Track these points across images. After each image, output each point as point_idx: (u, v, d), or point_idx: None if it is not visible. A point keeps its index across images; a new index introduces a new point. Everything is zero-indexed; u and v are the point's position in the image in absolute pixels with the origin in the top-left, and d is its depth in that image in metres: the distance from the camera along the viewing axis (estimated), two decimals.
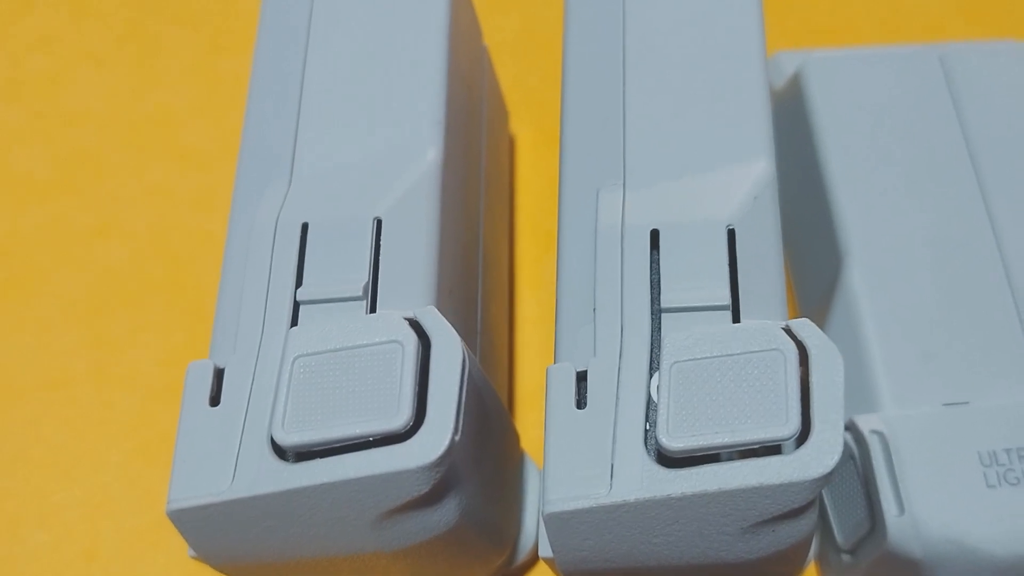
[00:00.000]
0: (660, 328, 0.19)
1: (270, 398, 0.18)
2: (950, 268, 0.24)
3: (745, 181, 0.20)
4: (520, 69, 0.34)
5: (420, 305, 0.19)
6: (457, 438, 0.17)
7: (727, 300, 0.19)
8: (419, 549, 0.19)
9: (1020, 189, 0.25)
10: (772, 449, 0.17)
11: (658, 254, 0.20)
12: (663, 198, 0.20)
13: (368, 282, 0.19)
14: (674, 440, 0.17)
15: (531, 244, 0.32)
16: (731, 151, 0.21)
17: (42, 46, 0.36)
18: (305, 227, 0.20)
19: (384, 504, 0.18)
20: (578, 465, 0.18)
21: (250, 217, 0.21)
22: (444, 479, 0.18)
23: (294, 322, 0.19)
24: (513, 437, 0.24)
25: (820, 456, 0.17)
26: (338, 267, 0.20)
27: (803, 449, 0.17)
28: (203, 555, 0.19)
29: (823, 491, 0.24)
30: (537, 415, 0.28)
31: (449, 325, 0.18)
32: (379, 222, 0.20)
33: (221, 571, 0.20)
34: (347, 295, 0.19)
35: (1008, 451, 0.21)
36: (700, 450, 0.17)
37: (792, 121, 0.27)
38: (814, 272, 0.26)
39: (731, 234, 0.20)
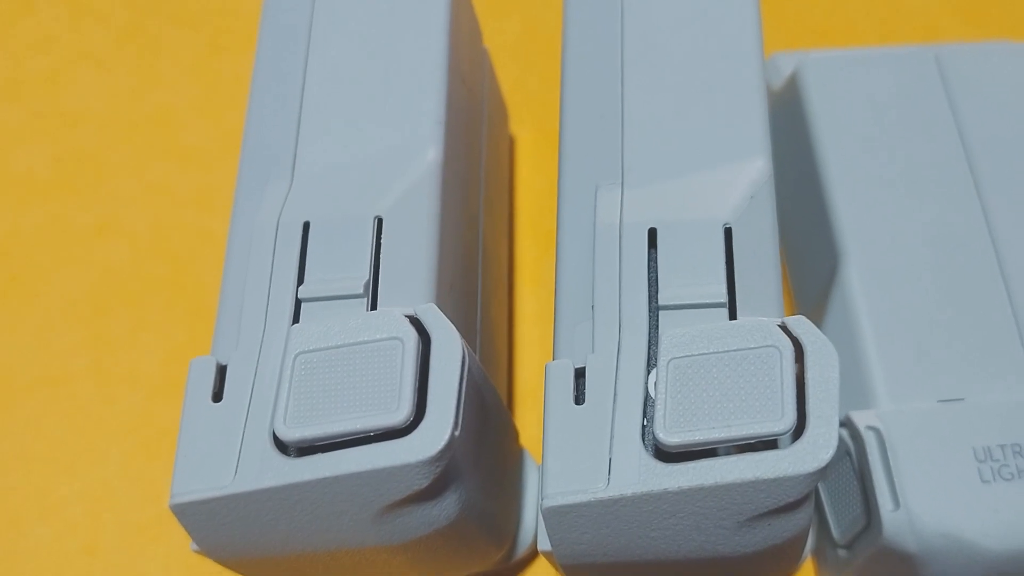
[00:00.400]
0: (658, 325, 0.19)
1: (272, 394, 0.18)
2: (946, 266, 0.24)
3: (742, 180, 0.20)
4: (520, 70, 0.35)
5: (420, 302, 0.19)
6: (457, 433, 0.17)
7: (724, 297, 0.19)
8: (419, 543, 0.19)
9: (1015, 188, 0.25)
10: (768, 444, 0.18)
11: (656, 252, 0.20)
12: (661, 197, 0.21)
13: (369, 280, 0.20)
14: (671, 435, 0.17)
15: (531, 242, 0.32)
16: (728, 151, 0.21)
17: (42, 46, 0.36)
18: (306, 226, 0.20)
19: (385, 498, 0.18)
20: (576, 460, 0.18)
21: (252, 216, 0.21)
22: (444, 473, 0.18)
23: (296, 319, 0.19)
24: (512, 433, 0.24)
25: (815, 451, 0.17)
26: (339, 265, 0.20)
27: (798, 444, 0.17)
28: (205, 549, 0.19)
29: (820, 486, 0.25)
30: (536, 412, 0.29)
31: (449, 322, 0.18)
32: (380, 221, 0.20)
33: (223, 565, 0.20)
34: (348, 292, 0.19)
35: (1003, 447, 0.22)
36: (696, 445, 0.17)
37: (789, 121, 0.28)
38: (811, 270, 0.26)
39: (728, 232, 0.20)
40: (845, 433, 0.23)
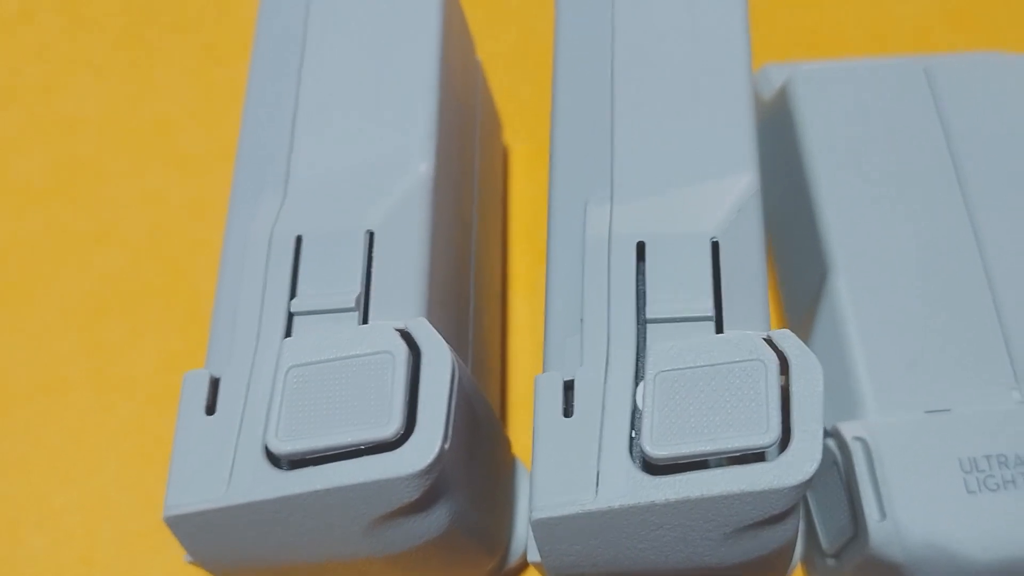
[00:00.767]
0: (645, 338, 0.19)
1: (264, 407, 0.19)
2: (934, 277, 0.24)
3: (730, 194, 0.21)
4: (514, 81, 0.35)
5: (412, 316, 0.20)
6: (446, 446, 0.18)
7: (711, 311, 0.19)
8: (411, 554, 0.20)
9: (1003, 199, 0.25)
10: (754, 457, 0.18)
11: (644, 266, 0.20)
12: (649, 210, 0.21)
13: (360, 294, 0.20)
14: (658, 448, 0.18)
15: (525, 252, 0.32)
16: (716, 164, 0.21)
17: (39, 54, 0.36)
18: (299, 240, 0.21)
19: (375, 510, 0.18)
20: (565, 472, 0.18)
21: (245, 229, 0.21)
22: (434, 486, 0.18)
23: (288, 333, 0.20)
24: (504, 443, 0.25)
25: (799, 463, 0.17)
26: (331, 279, 0.20)
27: (783, 457, 0.17)
28: (199, 560, 0.20)
29: (808, 496, 0.25)
30: (529, 421, 0.29)
31: (439, 336, 0.19)
32: (371, 234, 0.20)
33: None
34: (340, 306, 0.20)
35: (988, 457, 0.22)
36: (683, 458, 0.18)
37: (779, 132, 0.28)
38: (800, 281, 0.27)
39: (715, 246, 0.20)
40: (832, 443, 0.23)
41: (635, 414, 0.19)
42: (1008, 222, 0.25)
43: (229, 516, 0.18)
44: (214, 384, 0.19)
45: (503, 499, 0.24)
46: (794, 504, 0.18)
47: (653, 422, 0.18)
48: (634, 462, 0.18)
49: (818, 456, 0.17)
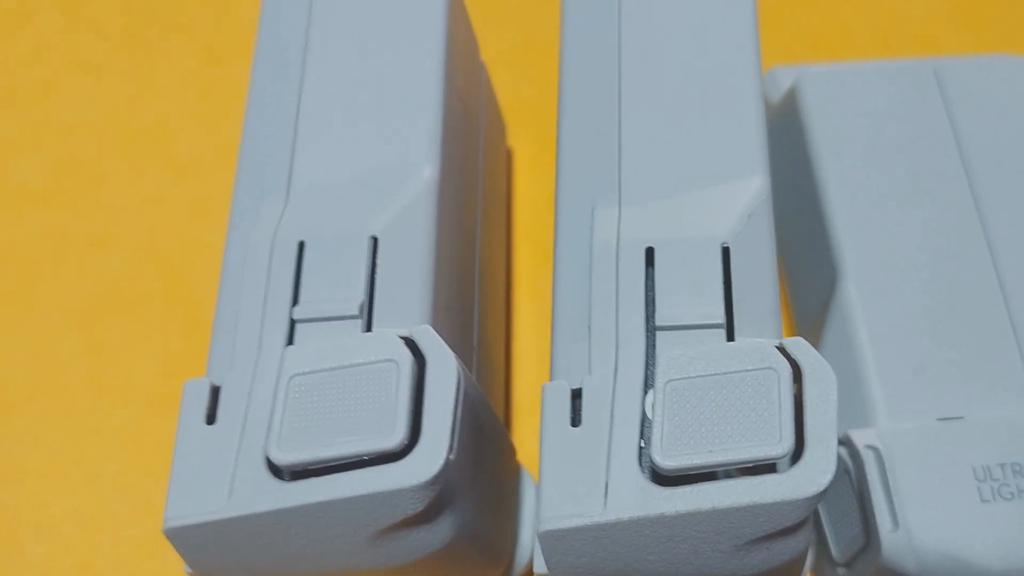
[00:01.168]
0: (655, 346, 0.19)
1: (266, 416, 0.18)
2: (946, 283, 0.24)
3: (740, 198, 0.20)
4: (519, 82, 0.34)
5: (416, 323, 0.19)
6: (452, 457, 0.17)
7: (721, 318, 0.19)
8: (414, 566, 0.19)
9: (1015, 203, 0.25)
10: (766, 467, 0.18)
11: (653, 271, 0.20)
12: (658, 215, 0.20)
13: (364, 301, 0.19)
14: (668, 458, 0.17)
15: (529, 255, 0.32)
16: (726, 168, 0.21)
17: (37, 56, 0.36)
18: (302, 245, 0.20)
19: (379, 522, 0.18)
20: (573, 483, 0.18)
21: (247, 234, 0.21)
22: (439, 497, 0.18)
23: (290, 341, 0.19)
24: (510, 452, 0.24)
25: (813, 475, 0.17)
26: (334, 286, 0.20)
27: (796, 468, 0.17)
28: (199, 572, 0.19)
29: (820, 505, 0.24)
30: (535, 427, 0.28)
31: (444, 343, 0.18)
32: (375, 240, 0.20)
33: None
34: (343, 314, 0.19)
35: (1002, 466, 0.21)
36: (694, 468, 0.17)
37: (788, 135, 0.28)
38: (810, 287, 0.26)
39: (725, 252, 0.20)
40: (844, 452, 0.23)
41: (644, 424, 0.18)
42: (1020, 226, 0.25)
43: (229, 528, 0.18)
44: (215, 392, 0.19)
45: (508, 508, 0.24)
46: (807, 516, 0.18)
47: (663, 432, 0.18)
48: (643, 473, 0.18)
49: (832, 468, 0.17)
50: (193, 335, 0.30)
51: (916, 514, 0.21)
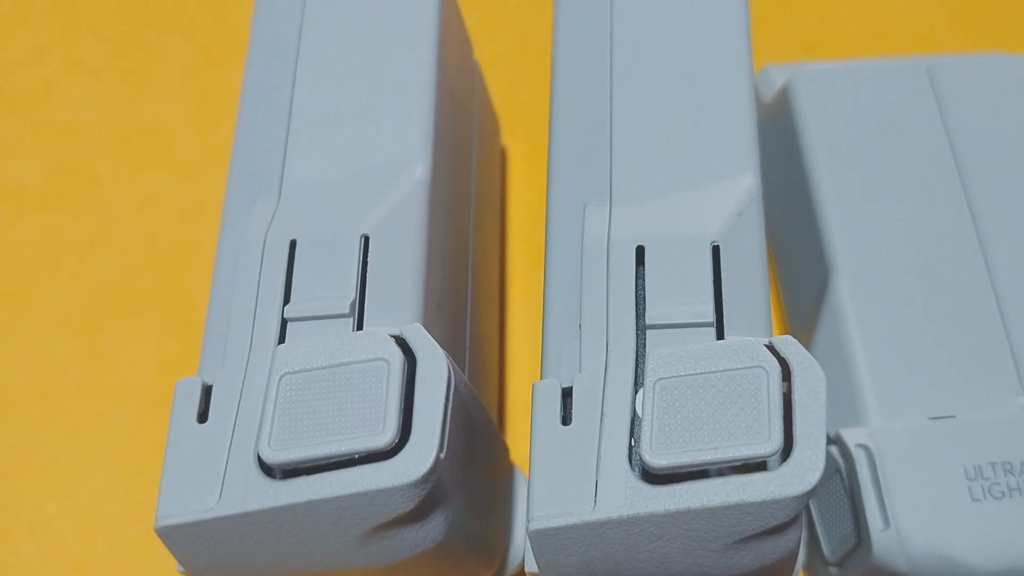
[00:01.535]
0: (645, 344, 0.19)
1: (257, 415, 0.18)
2: (937, 282, 0.24)
3: (730, 197, 0.20)
4: (512, 81, 0.34)
5: (407, 322, 0.19)
6: (442, 455, 0.17)
7: (711, 317, 0.19)
8: (406, 564, 0.19)
9: (1007, 201, 0.25)
10: (756, 465, 0.18)
11: (643, 270, 0.20)
12: (649, 214, 0.20)
13: (355, 299, 0.19)
14: (657, 457, 0.17)
15: (523, 254, 0.32)
16: (716, 167, 0.21)
17: (34, 57, 0.36)
18: (293, 244, 0.20)
19: (370, 521, 0.18)
20: (563, 482, 0.18)
21: (239, 234, 0.21)
22: (430, 495, 0.18)
23: (281, 339, 0.19)
24: (502, 450, 0.24)
25: (802, 473, 0.17)
26: (325, 284, 0.20)
27: (785, 466, 0.17)
28: (191, 571, 0.19)
29: (811, 504, 0.25)
30: (528, 427, 0.28)
31: (435, 342, 0.18)
32: (367, 239, 0.20)
33: None
34: (334, 312, 0.19)
35: (993, 465, 0.21)
36: (683, 467, 0.17)
37: (781, 133, 0.28)
38: (802, 285, 0.26)
39: (716, 251, 0.20)
40: (835, 451, 0.23)
41: (634, 422, 0.18)
42: (1012, 224, 0.25)
43: (221, 527, 0.18)
44: (206, 391, 0.19)
45: (501, 507, 0.24)
46: (796, 514, 0.18)
47: (653, 430, 0.18)
48: (633, 471, 0.18)
49: (821, 466, 0.17)
50: (189, 336, 0.30)
51: (907, 513, 0.21)
